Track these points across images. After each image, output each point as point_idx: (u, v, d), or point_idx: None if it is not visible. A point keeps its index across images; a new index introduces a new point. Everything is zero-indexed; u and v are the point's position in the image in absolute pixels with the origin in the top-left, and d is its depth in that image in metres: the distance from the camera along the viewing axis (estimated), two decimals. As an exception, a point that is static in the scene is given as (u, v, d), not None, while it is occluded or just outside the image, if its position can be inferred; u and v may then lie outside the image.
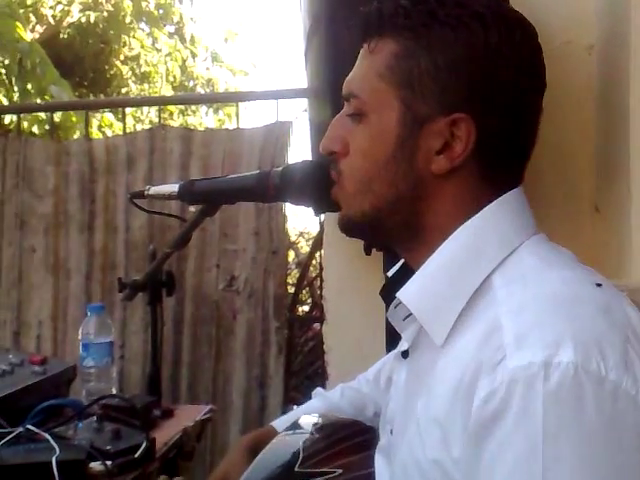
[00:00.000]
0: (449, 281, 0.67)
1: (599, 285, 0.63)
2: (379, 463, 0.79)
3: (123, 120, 3.40)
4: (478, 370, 0.58)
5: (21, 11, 5.78)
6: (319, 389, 1.11)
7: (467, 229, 0.69)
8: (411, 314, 0.70)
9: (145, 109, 6.09)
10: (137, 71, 7.14)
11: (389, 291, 0.75)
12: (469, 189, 0.70)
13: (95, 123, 5.03)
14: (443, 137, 0.68)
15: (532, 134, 0.72)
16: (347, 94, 0.74)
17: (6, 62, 5.05)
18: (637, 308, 0.64)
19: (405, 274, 0.74)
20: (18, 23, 5.00)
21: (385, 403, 0.85)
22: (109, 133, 5.19)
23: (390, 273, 0.81)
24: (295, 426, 0.95)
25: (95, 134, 4.92)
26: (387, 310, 0.76)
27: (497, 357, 0.57)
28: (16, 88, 5.06)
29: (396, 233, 0.74)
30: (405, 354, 0.76)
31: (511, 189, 0.71)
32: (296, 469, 0.81)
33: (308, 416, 0.98)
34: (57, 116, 4.40)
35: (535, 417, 0.53)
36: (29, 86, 5.05)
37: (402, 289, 0.70)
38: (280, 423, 1.03)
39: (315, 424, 0.92)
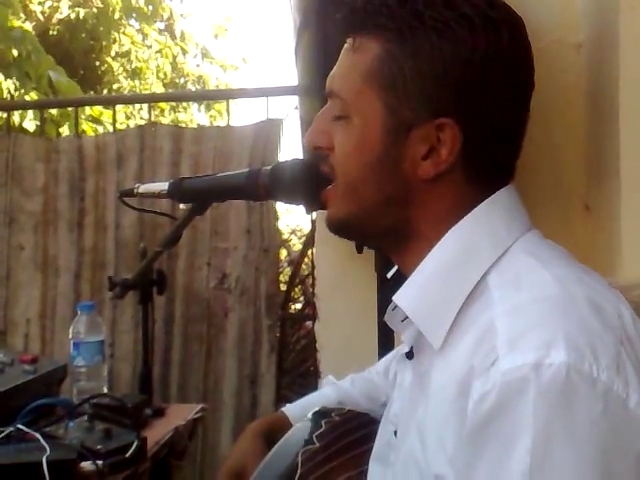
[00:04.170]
0: (443, 285, 0.67)
1: (594, 284, 0.63)
2: (374, 472, 0.78)
3: (113, 118, 3.38)
4: (471, 372, 0.58)
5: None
6: (330, 377, 1.09)
7: (458, 231, 0.68)
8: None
9: (136, 105, 6.06)
10: (128, 67, 7.10)
11: (388, 292, 0.74)
12: (458, 194, 0.69)
13: (86, 112, 4.98)
14: (429, 142, 0.67)
15: (521, 133, 0.71)
16: (330, 91, 0.73)
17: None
18: (631, 307, 0.63)
19: (403, 275, 0.73)
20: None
21: (390, 402, 0.84)
22: (99, 123, 5.16)
23: (389, 275, 0.80)
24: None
25: (87, 125, 4.88)
26: (379, 309, 0.76)
27: (490, 359, 0.57)
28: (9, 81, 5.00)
29: (384, 237, 0.73)
30: (410, 355, 0.75)
31: (501, 187, 0.70)
32: None
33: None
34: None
35: (526, 418, 0.53)
36: (27, 73, 5.00)
37: (397, 293, 0.69)
38: (291, 409, 1.01)
39: (318, 427, 0.88)
